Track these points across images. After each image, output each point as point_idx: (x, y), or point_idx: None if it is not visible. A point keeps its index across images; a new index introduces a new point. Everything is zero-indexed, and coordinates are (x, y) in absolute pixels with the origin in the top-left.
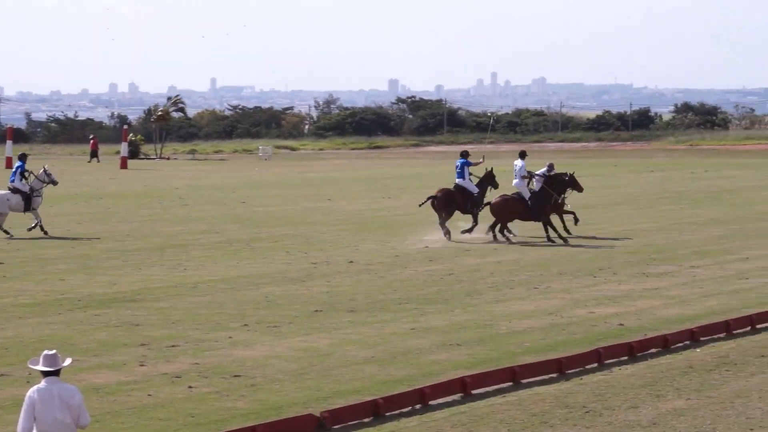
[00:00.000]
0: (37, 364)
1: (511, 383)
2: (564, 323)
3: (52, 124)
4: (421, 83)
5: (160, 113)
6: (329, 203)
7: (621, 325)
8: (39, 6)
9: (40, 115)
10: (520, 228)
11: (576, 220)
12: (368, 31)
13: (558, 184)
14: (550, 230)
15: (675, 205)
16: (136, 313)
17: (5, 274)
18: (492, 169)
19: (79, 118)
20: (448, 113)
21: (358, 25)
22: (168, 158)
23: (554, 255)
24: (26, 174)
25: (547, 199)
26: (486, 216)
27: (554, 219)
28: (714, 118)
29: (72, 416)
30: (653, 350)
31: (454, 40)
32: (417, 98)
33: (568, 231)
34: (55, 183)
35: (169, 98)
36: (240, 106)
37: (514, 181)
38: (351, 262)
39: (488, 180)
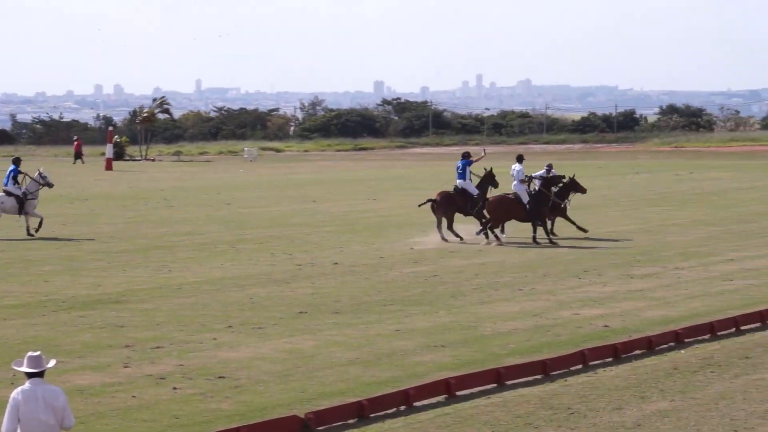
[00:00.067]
0: (21, 365)
1: (495, 385)
2: (549, 325)
3: (37, 126)
4: (407, 85)
5: (145, 114)
6: (314, 205)
7: (606, 326)
8: (23, 7)
9: (25, 117)
10: (516, 229)
11: (582, 229)
12: (353, 33)
13: (555, 185)
14: (539, 231)
15: (660, 207)
16: (121, 315)
17: None
18: (491, 168)
19: (64, 120)
20: (434, 115)
21: (343, 27)
22: (153, 160)
23: (539, 257)
24: (20, 177)
25: (544, 201)
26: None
27: (563, 222)
28: (699, 119)
29: (56, 418)
30: (638, 352)
31: (440, 41)
32: (402, 100)
33: (583, 229)
34: (50, 185)
35: (154, 99)
36: (225, 108)
37: (513, 185)
38: (336, 263)
39: (488, 180)
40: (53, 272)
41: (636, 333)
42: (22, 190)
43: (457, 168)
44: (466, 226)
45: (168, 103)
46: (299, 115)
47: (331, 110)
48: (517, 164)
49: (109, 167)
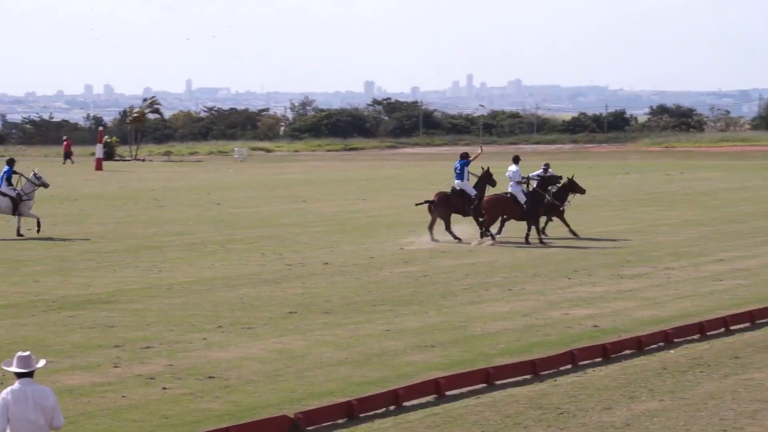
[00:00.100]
0: (10, 365)
1: (485, 384)
2: (538, 325)
3: (27, 126)
4: (397, 85)
5: (135, 115)
6: (304, 205)
7: (595, 326)
8: (14, 7)
9: (15, 117)
10: (508, 229)
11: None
12: (344, 33)
13: (552, 185)
14: (533, 231)
15: (650, 207)
16: (111, 315)
17: None
18: (488, 168)
19: (54, 120)
20: (424, 115)
21: (333, 27)
22: (143, 160)
23: (529, 257)
24: (15, 178)
25: (539, 201)
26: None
27: (556, 222)
28: (689, 120)
29: (46, 418)
30: (627, 352)
31: (430, 42)
32: (392, 100)
33: (574, 233)
34: (46, 185)
35: (144, 99)
36: (215, 108)
37: (510, 186)
38: (326, 263)
39: (486, 179)
40: (43, 272)
41: (626, 333)
42: (17, 191)
43: (455, 169)
44: (463, 227)
45: (158, 103)
46: (289, 115)
47: (322, 110)
48: (513, 165)
49: (99, 167)
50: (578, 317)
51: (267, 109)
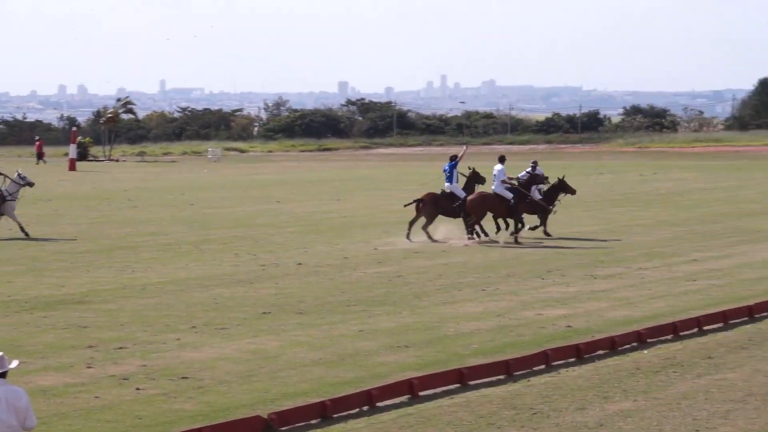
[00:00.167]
0: None
1: (458, 385)
2: (512, 325)
3: (0, 126)
4: (371, 85)
5: (109, 115)
6: (278, 205)
7: (569, 326)
8: None
9: None
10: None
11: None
12: (318, 33)
13: (536, 184)
14: (511, 227)
15: (624, 207)
16: (84, 315)
17: None
18: (474, 168)
19: (27, 120)
20: (398, 115)
21: (307, 27)
22: (117, 160)
23: (502, 257)
24: None
25: (522, 199)
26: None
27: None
28: (663, 120)
29: (18, 418)
30: (601, 352)
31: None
32: (366, 100)
33: (548, 233)
34: (31, 184)
35: (118, 100)
36: (189, 108)
37: (494, 186)
38: (300, 264)
39: (474, 179)
40: (16, 273)
41: (599, 333)
42: (1, 191)
43: (445, 171)
44: (449, 227)
45: (132, 104)
46: (263, 115)
47: (295, 111)
48: (499, 164)
49: (72, 168)
50: (552, 317)
51: (241, 110)
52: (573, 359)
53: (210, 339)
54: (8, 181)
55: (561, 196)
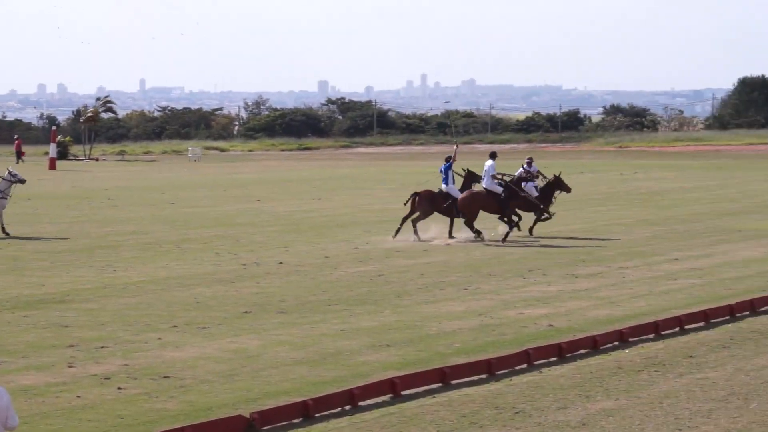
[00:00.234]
0: None
1: (440, 384)
2: (494, 324)
3: None
4: (351, 85)
5: (89, 114)
6: (259, 204)
7: (550, 326)
8: None
9: None
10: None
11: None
12: (298, 33)
13: (527, 182)
14: (501, 227)
15: (604, 207)
16: (65, 315)
17: None
18: (468, 168)
19: (7, 119)
20: (378, 114)
21: (287, 26)
22: (97, 159)
23: (483, 256)
24: None
25: (513, 196)
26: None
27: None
28: (643, 119)
29: (0, 418)
30: (582, 351)
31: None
32: (347, 100)
33: (531, 231)
34: (23, 181)
35: (98, 99)
36: (169, 107)
37: (484, 182)
38: (281, 263)
39: (470, 178)
40: None
41: (581, 332)
42: None
43: (441, 172)
44: (439, 226)
45: (112, 103)
46: (243, 114)
47: (276, 110)
48: (490, 160)
49: (52, 167)
50: (533, 317)
51: (221, 109)
52: (555, 358)
53: (191, 338)
54: None
55: (557, 193)
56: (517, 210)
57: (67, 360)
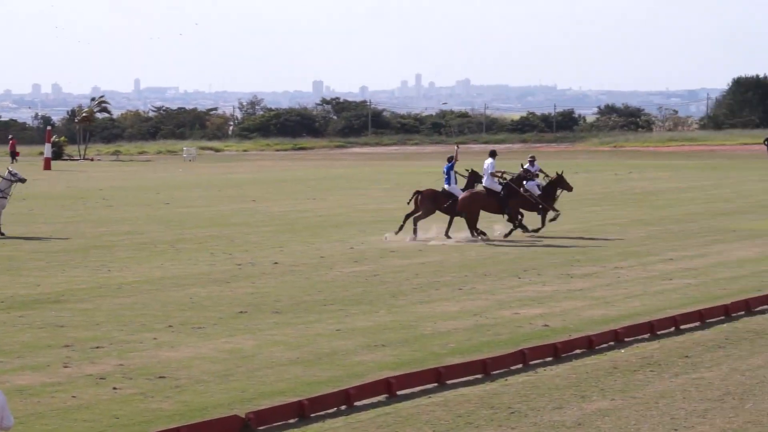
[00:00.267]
0: None
1: (436, 384)
2: (489, 324)
3: None
4: (346, 84)
5: (84, 114)
6: (254, 204)
7: (546, 326)
8: None
9: None
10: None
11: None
12: (293, 33)
13: (527, 180)
14: (511, 226)
15: (599, 207)
16: (60, 315)
17: None
18: (472, 168)
19: (1, 119)
20: (373, 114)
21: (281, 27)
22: (92, 159)
23: (479, 256)
24: None
25: (512, 195)
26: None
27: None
28: (638, 119)
29: None
30: (578, 351)
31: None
32: (341, 99)
33: (525, 228)
34: (23, 180)
35: (93, 99)
36: (164, 107)
37: (484, 180)
38: (276, 263)
39: (473, 178)
40: None
41: (576, 332)
42: None
43: (444, 172)
44: (439, 226)
45: (107, 103)
46: (238, 114)
47: (270, 110)
48: (489, 159)
49: (47, 167)
50: (528, 317)
51: (216, 109)
52: (550, 358)
53: (186, 338)
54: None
55: (559, 192)
56: (520, 209)
57: (62, 360)
